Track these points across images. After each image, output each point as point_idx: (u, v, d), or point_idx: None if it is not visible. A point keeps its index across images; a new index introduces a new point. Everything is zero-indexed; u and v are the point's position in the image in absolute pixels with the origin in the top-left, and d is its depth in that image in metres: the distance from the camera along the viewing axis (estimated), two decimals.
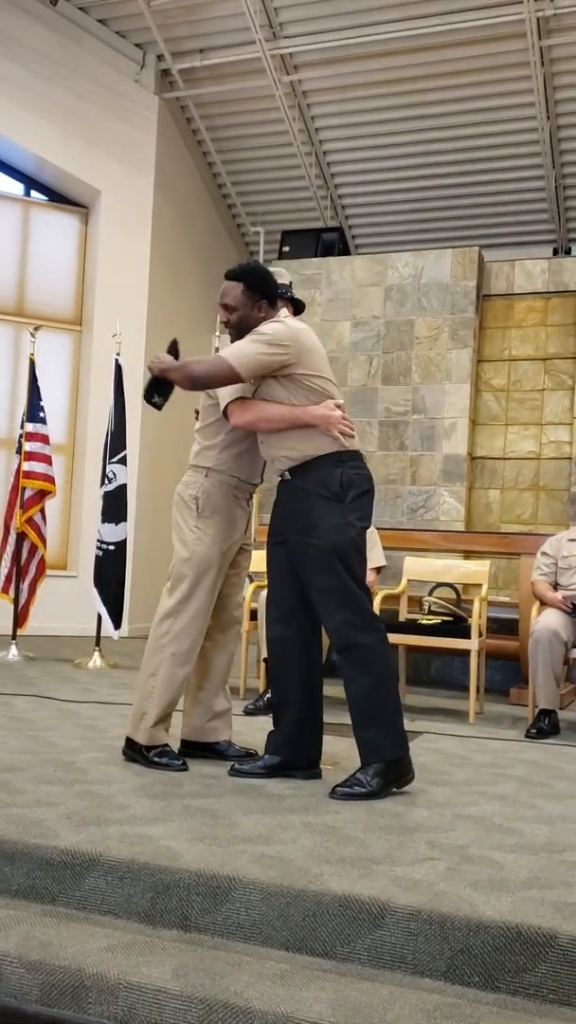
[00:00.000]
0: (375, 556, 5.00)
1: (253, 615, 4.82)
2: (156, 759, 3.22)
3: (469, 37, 7.61)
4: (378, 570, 5.02)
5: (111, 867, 2.24)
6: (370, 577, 4.94)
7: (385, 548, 5.38)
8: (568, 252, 8.94)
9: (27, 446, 6.26)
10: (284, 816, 2.68)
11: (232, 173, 9.52)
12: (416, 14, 7.54)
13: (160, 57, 8.46)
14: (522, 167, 8.64)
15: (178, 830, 2.48)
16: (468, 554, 6.41)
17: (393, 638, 4.79)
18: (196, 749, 3.40)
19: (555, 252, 9.03)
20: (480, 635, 4.68)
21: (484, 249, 8.04)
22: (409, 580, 5.32)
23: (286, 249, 8.66)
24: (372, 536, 5.12)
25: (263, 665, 4.61)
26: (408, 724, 4.34)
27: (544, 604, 4.52)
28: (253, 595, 4.92)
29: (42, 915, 2.21)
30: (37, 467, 6.26)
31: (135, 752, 3.27)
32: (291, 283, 3.62)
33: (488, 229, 9.17)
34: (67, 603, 7.54)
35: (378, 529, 5.31)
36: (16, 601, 6.20)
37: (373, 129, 8.68)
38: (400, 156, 8.84)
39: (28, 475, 6.23)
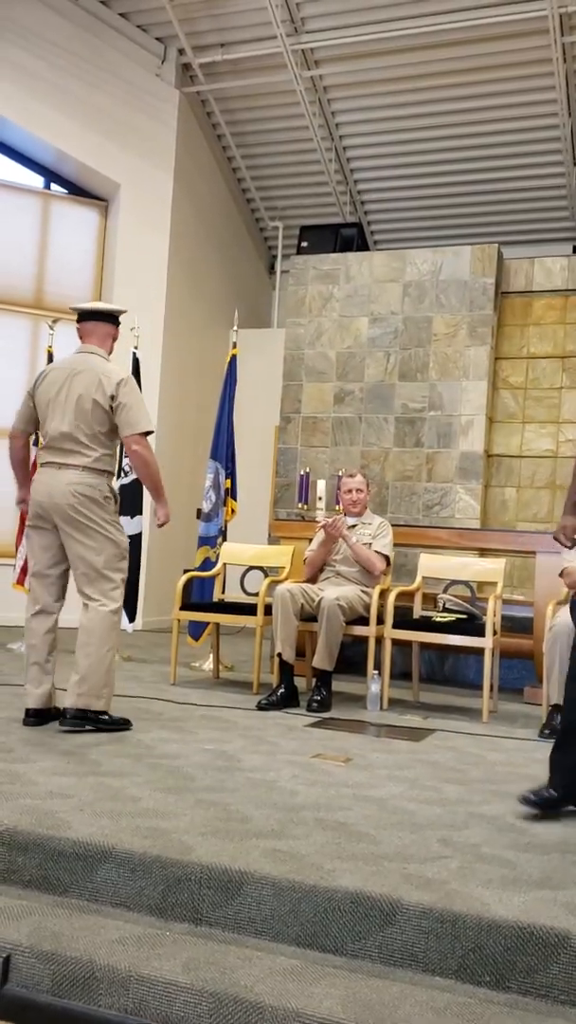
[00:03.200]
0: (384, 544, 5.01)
1: (268, 609, 4.82)
2: (113, 722, 3.67)
3: (491, 33, 7.56)
4: (387, 560, 5.02)
5: (123, 859, 2.25)
6: (381, 565, 4.94)
7: (400, 545, 5.37)
8: None
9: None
10: (296, 812, 2.68)
11: (252, 168, 9.51)
12: (437, 10, 7.50)
13: (181, 51, 8.45)
14: (542, 164, 8.58)
15: (191, 824, 2.48)
16: (483, 552, 6.38)
17: (407, 635, 4.79)
18: (45, 717, 3.74)
19: (575, 250, 8.96)
20: (494, 633, 4.66)
21: (503, 246, 7.99)
22: (424, 577, 5.31)
23: (304, 244, 8.65)
24: (383, 527, 5.12)
25: (277, 660, 4.61)
26: (421, 722, 4.35)
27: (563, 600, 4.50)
28: (268, 590, 4.92)
29: (54, 906, 2.21)
30: None
31: (88, 720, 3.61)
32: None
33: (508, 226, 9.12)
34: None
35: (393, 526, 5.30)
36: None
37: (393, 125, 8.65)
38: (420, 152, 8.80)
39: None
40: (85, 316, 3.96)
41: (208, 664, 5.78)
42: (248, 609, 5.05)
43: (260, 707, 4.44)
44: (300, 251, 8.64)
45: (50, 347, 6.46)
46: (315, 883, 2.13)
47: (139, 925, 2.14)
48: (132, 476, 6.16)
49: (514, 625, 5.49)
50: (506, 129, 8.37)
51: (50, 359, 6.42)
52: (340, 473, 5.88)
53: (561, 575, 4.61)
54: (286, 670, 4.60)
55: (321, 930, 2.08)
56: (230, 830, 2.46)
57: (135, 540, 6.15)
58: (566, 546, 2.94)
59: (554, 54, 7.51)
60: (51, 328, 6.47)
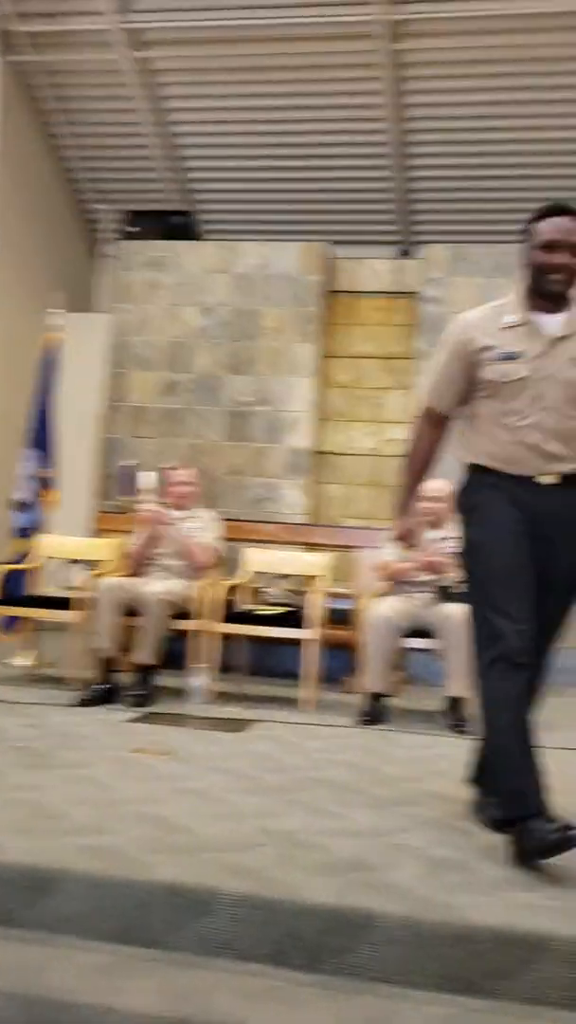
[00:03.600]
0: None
1: (88, 604, 4.71)
2: None
3: (322, 33, 7.69)
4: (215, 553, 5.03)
5: None
6: (207, 558, 4.94)
7: (228, 539, 5.38)
8: (406, 254, 9.20)
9: None
10: (114, 807, 2.64)
11: (79, 147, 9.24)
12: (271, 3, 7.54)
13: (4, 16, 8.10)
14: (371, 167, 8.81)
15: (1, 822, 2.40)
16: (310, 547, 6.50)
17: (232, 628, 4.82)
18: None
19: (400, 254, 9.28)
20: (316, 625, 4.76)
21: (332, 245, 8.15)
22: (251, 571, 5.35)
23: (132, 229, 8.49)
24: (212, 520, 5.12)
25: (98, 655, 4.52)
26: (244, 713, 4.38)
27: (394, 583, 4.64)
28: (90, 584, 4.81)
29: None
30: None
31: None
32: None
33: (337, 226, 9.31)
34: None
35: (222, 520, 5.31)
36: None
37: (225, 116, 8.64)
38: (252, 145, 8.83)
39: None
40: None
41: (23, 660, 5.59)
42: (68, 603, 4.91)
43: (80, 703, 4.34)
44: (128, 236, 8.48)
45: None
46: (132, 877, 2.10)
47: None
48: None
49: (337, 617, 5.62)
50: (337, 130, 8.54)
51: None
52: (168, 465, 5.84)
53: (379, 568, 4.77)
54: (107, 665, 4.52)
55: (138, 924, 2.06)
56: (43, 828, 2.39)
57: None
58: (411, 545, 2.98)
59: (382, 60, 7.73)
60: None
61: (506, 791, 2.42)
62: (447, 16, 7.38)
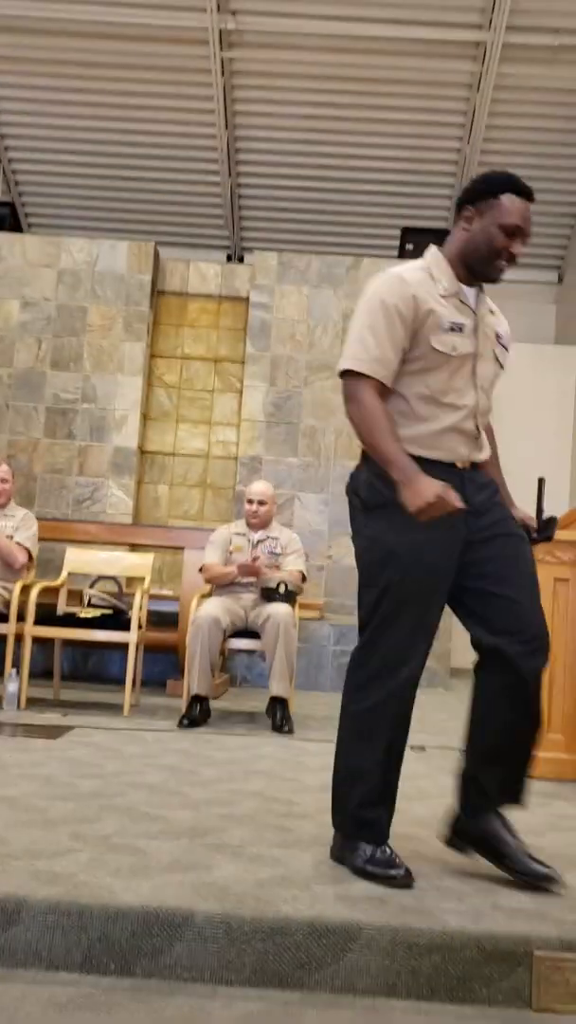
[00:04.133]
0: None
1: None
2: None
3: (156, 34, 7.64)
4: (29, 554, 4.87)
5: None
6: (23, 558, 4.77)
7: (46, 539, 5.24)
8: (241, 259, 9.29)
9: None
10: None
11: None
12: (106, 0, 7.43)
13: None
14: (201, 171, 8.83)
15: None
16: (135, 547, 6.42)
17: (50, 632, 4.68)
18: None
19: (228, 259, 9.34)
20: (140, 627, 4.69)
21: (161, 246, 8.11)
22: (70, 573, 5.22)
23: None
24: (28, 518, 4.97)
25: None
26: (60, 720, 4.27)
27: (216, 585, 4.64)
28: None
29: None
30: None
31: None
32: None
33: (165, 227, 9.27)
34: None
35: (41, 520, 5.15)
36: None
37: (53, 109, 8.42)
38: (81, 140, 8.66)
39: None
40: None
41: None
42: None
43: None
44: None
45: None
46: None
47: None
48: None
49: (162, 619, 5.58)
50: (168, 132, 8.50)
51: None
52: None
53: (200, 570, 4.77)
54: None
55: None
56: None
57: None
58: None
59: (213, 66, 7.76)
60: None
61: (363, 817, 2.31)
62: (279, 31, 7.52)
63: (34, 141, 8.75)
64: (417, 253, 8.17)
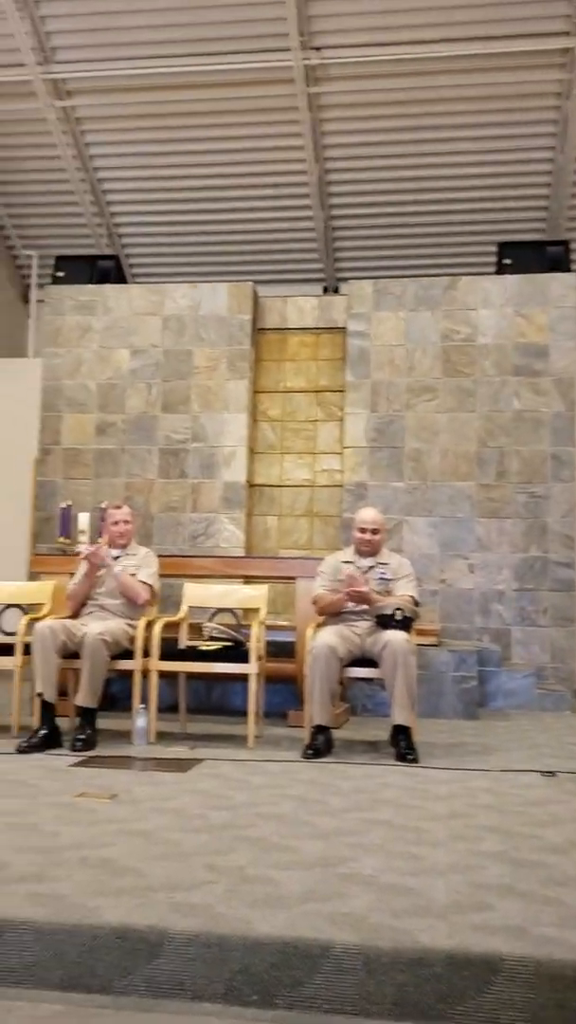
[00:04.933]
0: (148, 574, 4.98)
1: (28, 649, 4.64)
2: None
3: (242, 79, 7.86)
4: (152, 590, 4.99)
5: None
6: (146, 594, 4.90)
7: (165, 575, 5.36)
8: (336, 291, 9.38)
9: None
10: (58, 853, 2.60)
11: (4, 195, 9.26)
12: (192, 51, 7.70)
13: None
14: (293, 207, 8.99)
15: None
16: (248, 579, 6.51)
17: (173, 666, 4.79)
18: None
19: (325, 290, 9.44)
20: (259, 659, 4.75)
21: (258, 284, 8.28)
22: (189, 607, 5.33)
23: (60, 274, 8.51)
24: (149, 556, 5.10)
25: (38, 700, 4.45)
26: (188, 752, 4.35)
27: (327, 615, 4.66)
28: (27, 628, 4.74)
29: None
30: None
31: None
32: None
33: (262, 265, 9.46)
34: None
35: (159, 556, 5.28)
36: None
37: (149, 161, 8.74)
38: (176, 189, 8.95)
39: None
40: None
41: None
42: (5, 649, 4.83)
43: (20, 750, 4.26)
44: (56, 281, 8.51)
45: None
46: (78, 922, 2.07)
47: None
48: None
49: (278, 650, 5.63)
50: (259, 171, 8.70)
51: None
52: (104, 505, 5.80)
53: (313, 602, 4.80)
54: (47, 710, 4.44)
55: (86, 971, 2.02)
56: None
57: None
58: None
59: (300, 103, 7.92)
60: None
61: None
62: (359, 60, 7.62)
63: (133, 194, 9.09)
64: (516, 268, 8.06)
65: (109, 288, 8.21)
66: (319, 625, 4.72)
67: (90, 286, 8.25)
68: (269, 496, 8.07)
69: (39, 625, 4.56)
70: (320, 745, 4.36)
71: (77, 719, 4.53)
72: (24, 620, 4.84)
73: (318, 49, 7.59)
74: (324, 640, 4.43)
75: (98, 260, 8.77)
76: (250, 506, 7.96)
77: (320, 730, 4.41)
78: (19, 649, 4.71)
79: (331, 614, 4.69)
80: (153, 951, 2.02)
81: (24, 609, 5.41)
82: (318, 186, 8.69)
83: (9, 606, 5.52)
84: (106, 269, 8.58)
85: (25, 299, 10.01)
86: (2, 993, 1.99)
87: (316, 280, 9.61)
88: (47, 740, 4.36)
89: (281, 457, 8.10)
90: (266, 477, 8.07)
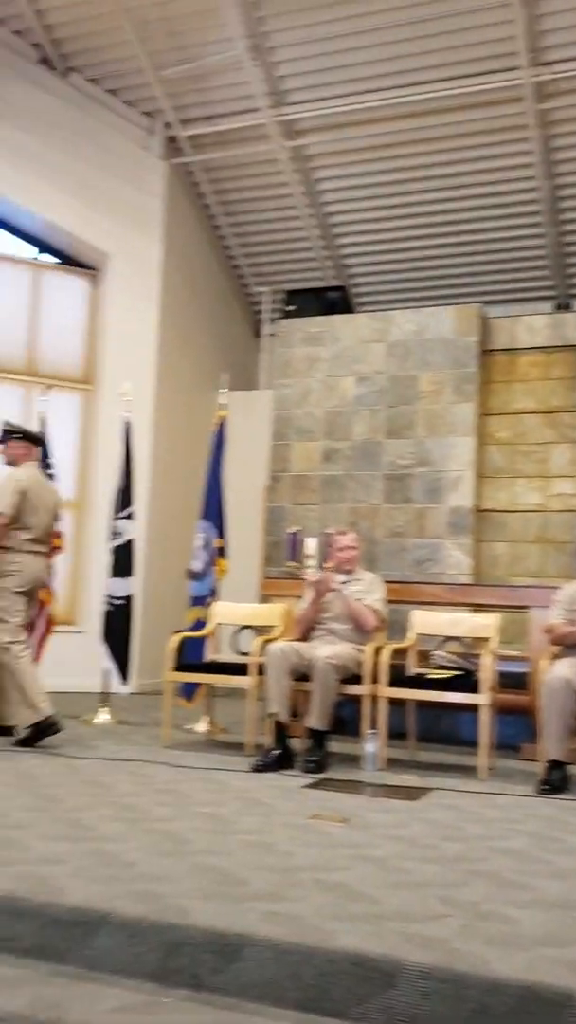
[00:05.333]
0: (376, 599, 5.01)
1: (261, 669, 4.80)
2: None
3: (468, 102, 7.83)
4: (380, 616, 5.01)
5: (120, 925, 2.22)
6: (374, 620, 4.92)
7: (392, 601, 5.36)
8: (568, 307, 9.07)
9: None
10: (294, 873, 2.66)
11: (238, 235, 9.72)
12: (415, 80, 7.77)
13: (168, 124, 8.70)
14: (522, 225, 8.81)
15: (188, 888, 2.46)
16: (476, 607, 6.39)
17: (401, 693, 4.78)
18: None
19: (557, 307, 9.16)
20: (490, 689, 4.65)
21: (486, 305, 8.17)
22: (417, 634, 5.31)
23: (291, 308, 8.81)
24: (376, 582, 5.12)
25: (271, 721, 4.58)
26: (418, 781, 4.32)
27: (563, 646, 4.50)
28: (260, 649, 4.91)
29: (51, 975, 2.18)
30: None
31: None
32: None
33: (490, 286, 9.32)
34: (75, 658, 7.50)
35: (385, 582, 5.30)
36: None
37: (375, 191, 8.88)
38: (402, 216, 9.02)
39: None
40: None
41: (201, 726, 5.74)
42: (241, 669, 5.03)
43: (255, 769, 4.40)
44: (286, 315, 8.81)
45: (42, 413, 6.52)
46: (315, 945, 2.10)
47: (139, 992, 2.10)
48: (124, 538, 6.18)
49: (509, 681, 5.47)
50: (485, 192, 8.61)
51: (43, 426, 6.46)
52: (330, 530, 5.92)
53: (546, 631, 4.63)
54: (280, 731, 4.57)
55: (322, 993, 2.05)
56: (227, 893, 2.43)
57: (127, 601, 6.15)
58: None
59: (530, 120, 7.77)
60: (44, 395, 6.54)
61: None
62: None
63: (361, 224, 9.26)
64: None
65: (337, 319, 8.40)
66: (555, 656, 4.55)
67: (318, 318, 8.48)
68: (498, 521, 7.89)
69: (272, 647, 4.70)
70: (556, 781, 4.19)
71: (308, 741, 4.63)
72: (258, 641, 5.01)
73: (548, 64, 7.43)
74: (560, 673, 4.26)
75: (326, 292, 9.00)
76: (478, 532, 7.82)
77: (556, 766, 4.24)
78: (253, 669, 4.88)
79: (567, 645, 4.51)
80: (387, 981, 2.02)
81: (257, 630, 5.62)
82: (549, 202, 8.47)
83: (243, 627, 5.74)
84: (333, 300, 8.78)
85: (257, 334, 10.43)
86: (242, 1007, 2.06)
87: (546, 298, 9.34)
88: (280, 760, 4.48)
89: (511, 481, 7.91)
90: (495, 502, 7.90)
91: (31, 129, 7.99)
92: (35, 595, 5.27)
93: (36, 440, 5.47)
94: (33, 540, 5.10)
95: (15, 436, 5.32)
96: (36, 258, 8.55)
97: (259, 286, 10.11)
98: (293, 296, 9.06)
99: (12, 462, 5.30)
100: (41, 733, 4.76)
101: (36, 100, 8.05)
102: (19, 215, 8.22)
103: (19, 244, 8.45)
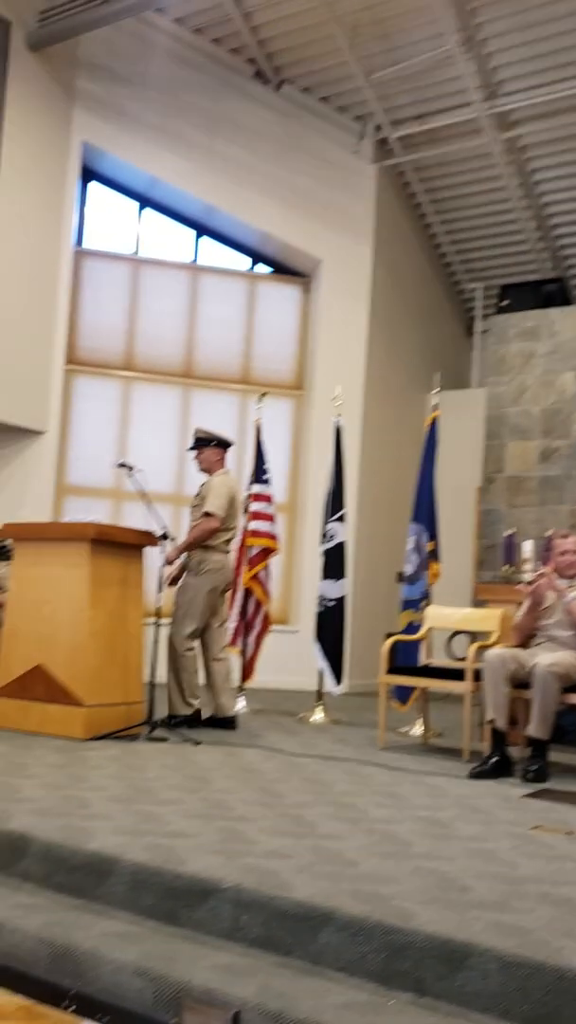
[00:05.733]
0: None
1: (477, 675, 4.71)
2: None
3: None
4: None
5: (345, 923, 2.24)
6: None
7: None
8: None
9: (253, 506, 6.51)
10: (519, 885, 2.58)
11: (449, 232, 9.62)
12: None
13: (378, 127, 8.75)
14: None
15: (410, 890, 2.45)
16: None
17: None
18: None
19: None
20: None
21: None
22: None
23: (505, 303, 8.60)
24: None
25: (489, 728, 4.49)
26: None
27: None
28: (476, 655, 4.82)
29: (277, 966, 2.23)
30: (262, 526, 6.49)
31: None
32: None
33: None
34: (289, 657, 7.70)
35: None
36: (243, 654, 6.42)
37: None
38: None
39: (254, 534, 6.46)
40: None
41: (416, 729, 5.71)
42: (456, 674, 4.96)
43: (473, 775, 4.32)
44: (500, 310, 8.61)
45: (258, 420, 6.73)
46: (544, 960, 2.03)
47: (362, 991, 2.12)
48: (336, 541, 6.26)
49: None
50: None
51: (258, 431, 6.67)
52: (550, 534, 5.71)
53: None
54: (498, 738, 4.46)
55: (552, 1011, 1.98)
56: (451, 899, 2.40)
57: (339, 603, 6.23)
58: None
59: None
60: (260, 401, 6.76)
61: None
62: None
63: None
64: None
65: (554, 312, 8.12)
66: None
67: (534, 311, 8.23)
68: None
69: (489, 653, 4.60)
70: None
71: (527, 749, 4.49)
72: (474, 647, 4.93)
73: None
74: None
75: (542, 284, 8.72)
76: None
77: None
78: (469, 675, 4.80)
79: None
80: None
81: (472, 636, 5.52)
82: None
83: (457, 632, 5.66)
84: (550, 292, 8.50)
85: (469, 331, 10.27)
86: (468, 1016, 2.02)
87: None
88: (498, 768, 4.37)
89: None
90: None
91: (245, 143, 8.28)
92: (226, 593, 5.57)
93: (227, 446, 5.68)
94: (227, 541, 5.46)
95: (210, 444, 5.53)
96: (253, 269, 8.84)
97: (471, 282, 9.95)
98: (507, 291, 8.86)
99: (207, 469, 5.52)
100: (190, 724, 5.22)
101: (250, 114, 8.33)
102: (234, 228, 8.53)
103: (234, 256, 8.78)
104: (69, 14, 7.10)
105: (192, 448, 5.61)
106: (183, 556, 5.40)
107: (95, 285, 8.31)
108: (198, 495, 5.54)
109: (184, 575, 5.41)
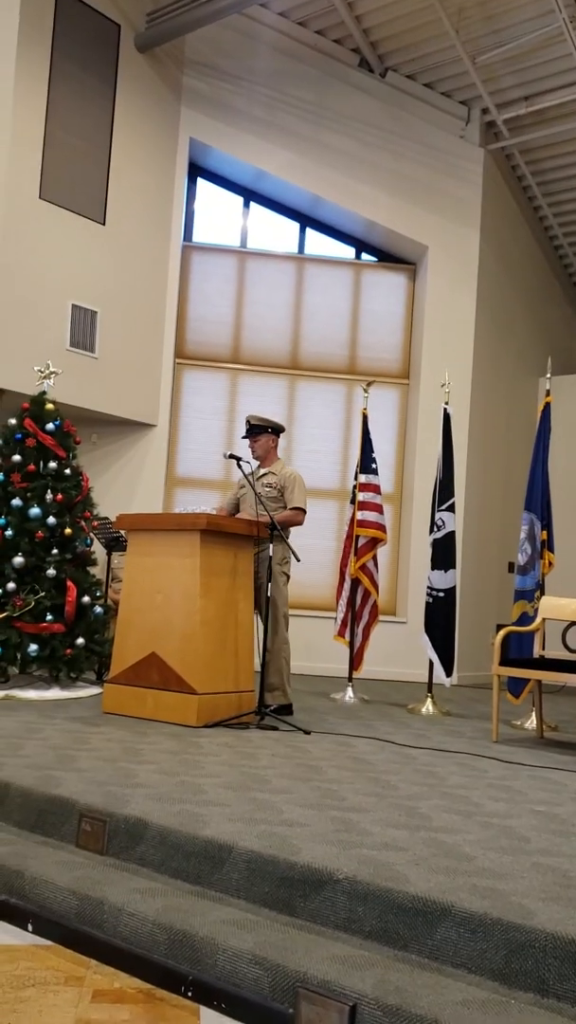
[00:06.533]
0: None
1: None
2: None
3: None
4: None
5: (463, 919, 2.20)
6: None
7: None
8: None
9: (360, 496, 6.49)
10: None
11: (558, 215, 9.34)
12: None
13: (484, 111, 8.56)
14: None
15: (529, 887, 2.39)
16: None
17: None
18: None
19: None
20: None
21: None
22: None
23: None
24: None
25: None
26: None
27: None
28: None
29: (395, 960, 2.21)
30: (370, 516, 6.46)
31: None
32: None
33: None
34: (397, 648, 7.64)
35: None
36: (351, 645, 6.40)
37: None
38: None
39: (361, 524, 6.43)
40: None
41: (530, 722, 5.58)
42: (572, 666, 4.82)
43: None
44: None
45: (365, 409, 6.68)
46: None
47: (482, 989, 2.08)
48: (446, 530, 6.16)
49: None
50: None
51: (365, 421, 6.64)
52: None
53: None
54: None
55: None
56: (572, 898, 2.33)
57: (449, 594, 6.13)
58: None
59: None
60: (366, 391, 6.71)
61: None
62: None
63: None
64: None
65: None
66: None
67: None
68: None
69: None
70: None
71: None
72: None
73: None
74: None
75: None
76: None
77: None
78: None
79: None
80: None
81: None
82: None
83: (573, 623, 5.50)
84: None
85: None
86: None
87: None
88: None
89: None
90: None
91: (351, 132, 8.22)
92: None
93: (281, 431, 5.61)
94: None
95: (265, 431, 5.49)
96: (358, 258, 8.79)
97: None
98: None
99: (262, 456, 5.50)
100: (279, 712, 5.22)
101: (355, 104, 8.27)
102: (340, 217, 8.49)
103: (339, 247, 8.74)
104: (175, 14, 7.19)
105: (247, 435, 5.56)
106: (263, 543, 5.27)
107: (202, 279, 8.41)
108: (265, 483, 5.39)
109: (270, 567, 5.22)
